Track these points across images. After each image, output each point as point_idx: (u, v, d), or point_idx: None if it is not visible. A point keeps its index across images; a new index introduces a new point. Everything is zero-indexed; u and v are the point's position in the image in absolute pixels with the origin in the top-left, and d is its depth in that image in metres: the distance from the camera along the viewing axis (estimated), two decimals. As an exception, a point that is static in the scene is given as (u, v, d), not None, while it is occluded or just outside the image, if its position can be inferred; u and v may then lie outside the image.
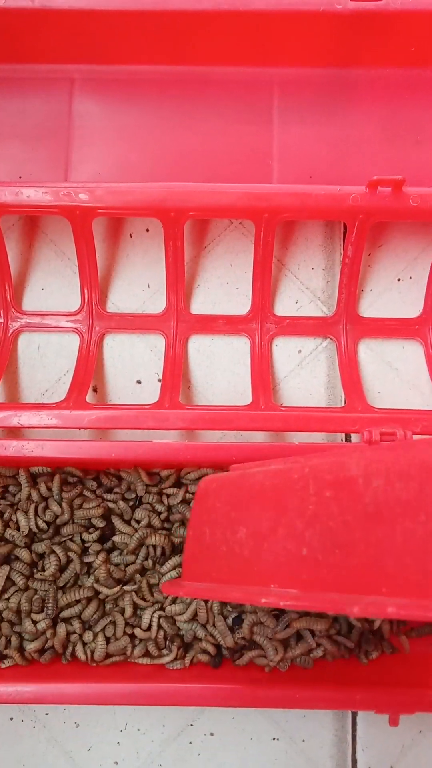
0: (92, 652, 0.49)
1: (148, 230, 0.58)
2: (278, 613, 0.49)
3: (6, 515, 0.51)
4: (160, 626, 0.49)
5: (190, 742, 0.53)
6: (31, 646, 0.49)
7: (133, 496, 0.51)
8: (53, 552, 0.49)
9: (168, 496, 0.51)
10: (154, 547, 0.50)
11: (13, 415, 0.50)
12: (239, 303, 0.58)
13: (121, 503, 0.51)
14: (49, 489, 0.50)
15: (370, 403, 0.54)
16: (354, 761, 0.53)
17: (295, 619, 0.48)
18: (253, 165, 0.58)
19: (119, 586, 0.50)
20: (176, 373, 0.55)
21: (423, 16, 0.53)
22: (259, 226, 0.52)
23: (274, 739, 0.53)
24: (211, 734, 0.53)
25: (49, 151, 0.59)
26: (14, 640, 0.49)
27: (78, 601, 0.50)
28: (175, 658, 0.49)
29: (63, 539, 0.50)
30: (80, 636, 0.50)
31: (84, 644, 0.50)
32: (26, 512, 0.50)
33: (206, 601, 0.49)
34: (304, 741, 0.53)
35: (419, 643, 0.51)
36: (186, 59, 0.58)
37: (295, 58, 0.58)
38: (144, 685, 0.47)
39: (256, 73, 0.59)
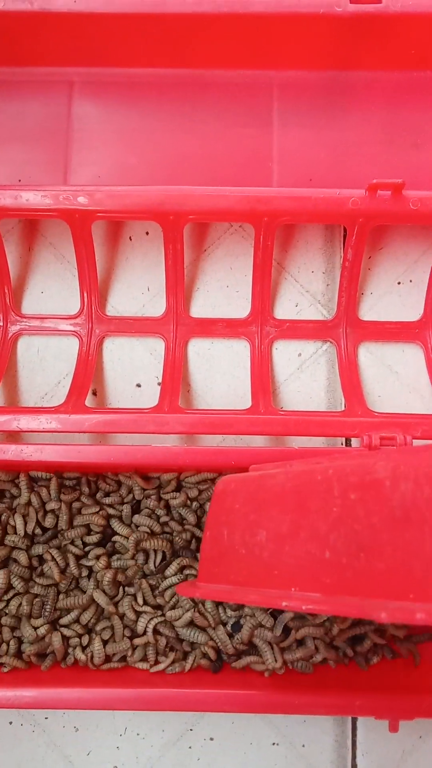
0: (92, 656, 0.49)
1: (147, 233, 0.58)
2: (275, 613, 0.49)
3: (3, 518, 0.51)
4: (159, 632, 0.49)
5: (190, 747, 0.53)
6: (30, 649, 0.49)
7: (132, 500, 0.51)
8: (52, 558, 0.49)
9: (167, 500, 0.51)
10: (155, 551, 0.50)
11: (12, 418, 0.50)
12: (239, 306, 0.57)
13: (119, 507, 0.51)
14: (49, 493, 0.50)
15: (371, 406, 0.54)
16: (354, 766, 0.53)
17: (298, 627, 0.48)
18: (253, 168, 0.58)
19: (117, 595, 0.50)
20: (176, 376, 0.55)
21: (422, 18, 0.53)
22: (259, 230, 0.52)
23: (273, 744, 0.53)
24: (211, 739, 0.53)
25: (48, 154, 0.59)
26: (13, 644, 0.49)
27: (78, 606, 0.50)
28: (173, 662, 0.49)
29: (64, 543, 0.50)
30: (80, 639, 0.50)
31: (83, 648, 0.50)
32: (24, 516, 0.50)
33: (204, 605, 0.49)
34: (304, 746, 0.53)
35: (419, 650, 0.51)
36: (185, 62, 0.58)
37: (294, 61, 0.58)
38: (144, 690, 0.47)
39: (256, 75, 0.59)
